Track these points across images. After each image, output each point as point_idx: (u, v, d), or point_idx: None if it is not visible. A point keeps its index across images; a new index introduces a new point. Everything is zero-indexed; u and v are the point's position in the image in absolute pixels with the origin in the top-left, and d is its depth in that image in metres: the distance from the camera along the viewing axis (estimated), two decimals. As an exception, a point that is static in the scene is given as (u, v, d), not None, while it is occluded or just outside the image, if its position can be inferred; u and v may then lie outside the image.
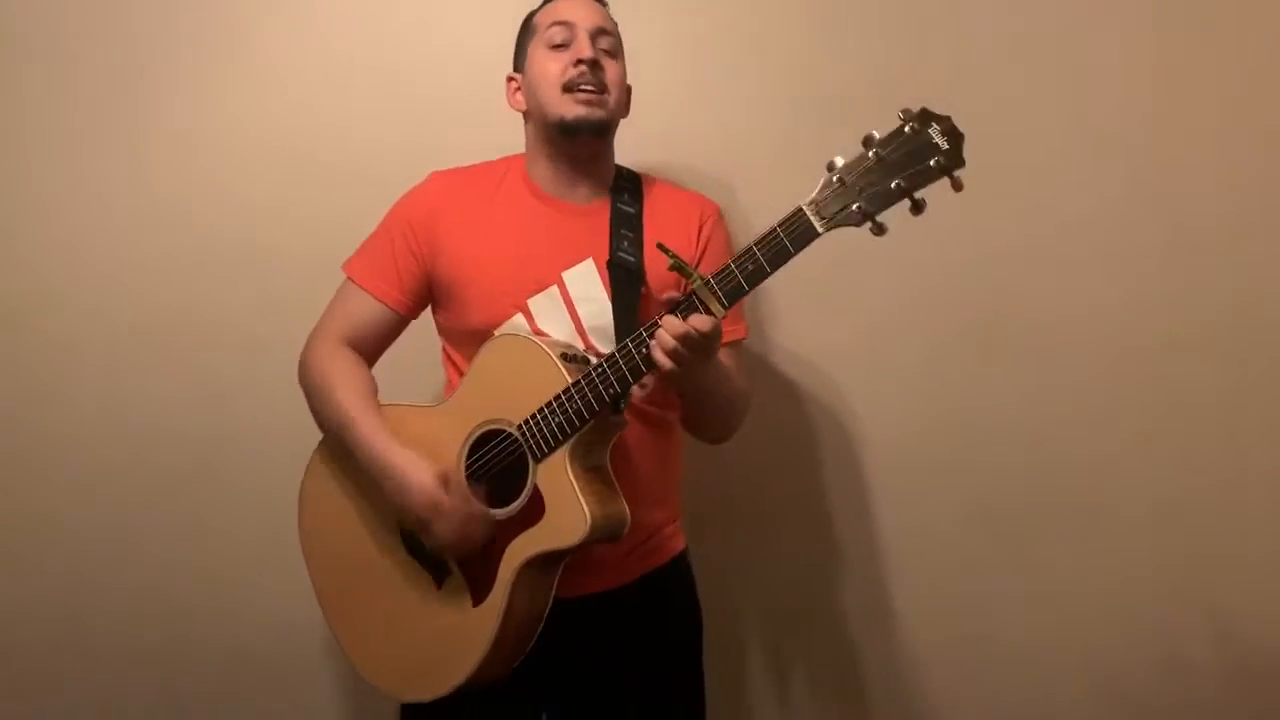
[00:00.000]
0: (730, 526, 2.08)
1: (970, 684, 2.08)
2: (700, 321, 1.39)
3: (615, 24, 1.69)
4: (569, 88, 1.61)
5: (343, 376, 1.65)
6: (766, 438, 2.04)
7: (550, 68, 1.62)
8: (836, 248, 1.96)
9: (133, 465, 2.10)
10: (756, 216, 1.92)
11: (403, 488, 1.55)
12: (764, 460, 2.08)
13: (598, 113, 1.61)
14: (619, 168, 1.72)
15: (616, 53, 1.67)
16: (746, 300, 1.73)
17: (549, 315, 1.62)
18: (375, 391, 1.67)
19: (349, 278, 1.69)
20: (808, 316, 2.07)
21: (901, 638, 2.10)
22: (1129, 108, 2.01)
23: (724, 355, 1.64)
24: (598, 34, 1.64)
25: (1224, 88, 2.00)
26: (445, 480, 1.54)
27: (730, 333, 1.67)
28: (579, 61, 1.60)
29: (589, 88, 1.60)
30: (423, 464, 1.55)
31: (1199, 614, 2.03)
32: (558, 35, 1.63)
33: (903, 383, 2.06)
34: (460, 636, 1.56)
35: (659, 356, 1.41)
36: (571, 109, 1.60)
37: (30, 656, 2.12)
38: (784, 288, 2.05)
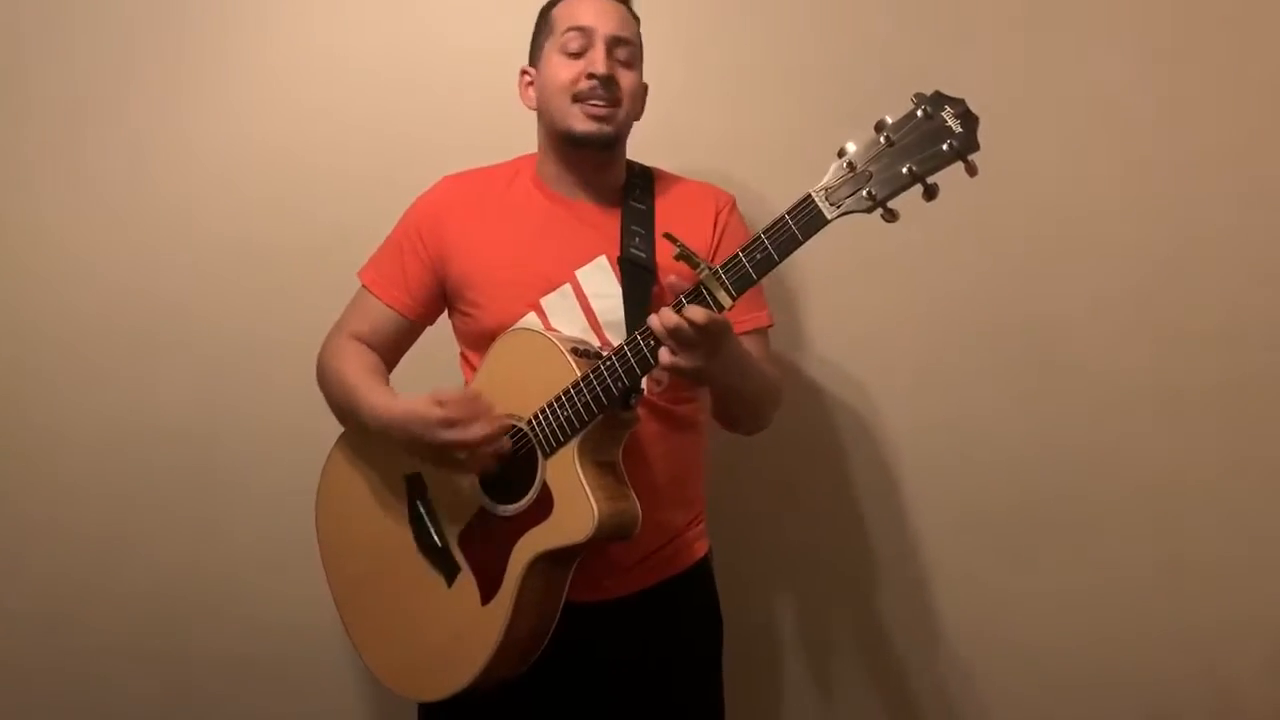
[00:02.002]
0: (752, 530, 2.06)
1: (991, 684, 2.06)
2: (694, 313, 1.34)
3: (637, 22, 1.65)
4: (579, 98, 1.58)
5: (350, 358, 1.66)
6: (790, 439, 2.01)
7: (563, 75, 1.59)
8: (858, 249, 1.97)
9: (133, 466, 2.10)
10: (765, 214, 1.90)
11: (407, 426, 1.53)
12: (785, 462, 2.06)
13: (606, 129, 1.58)
14: (630, 163, 1.70)
15: (634, 61, 1.62)
16: (769, 293, 1.71)
17: (562, 313, 1.61)
18: (383, 370, 1.67)
19: (362, 284, 1.70)
20: (828, 316, 2.06)
21: (927, 643, 2.07)
22: (1134, 110, 1.99)
23: (749, 344, 1.61)
24: (615, 44, 1.59)
25: (1228, 88, 1.97)
26: (439, 399, 1.51)
27: (751, 320, 1.64)
28: (592, 75, 1.57)
29: (600, 103, 1.57)
30: (419, 397, 1.53)
31: (1207, 613, 2.01)
32: (573, 42, 1.59)
33: (921, 384, 2.05)
34: (469, 635, 1.54)
35: (660, 352, 1.38)
36: (580, 123, 1.58)
37: (29, 660, 2.12)
38: (806, 287, 2.04)
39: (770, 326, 1.70)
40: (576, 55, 1.59)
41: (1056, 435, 2.03)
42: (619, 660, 1.64)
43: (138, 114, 2.08)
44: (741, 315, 1.62)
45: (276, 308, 2.06)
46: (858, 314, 2.05)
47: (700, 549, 1.71)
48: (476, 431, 1.49)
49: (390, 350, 1.71)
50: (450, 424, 1.49)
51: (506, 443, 1.52)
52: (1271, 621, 1.99)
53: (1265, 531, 1.99)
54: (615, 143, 1.62)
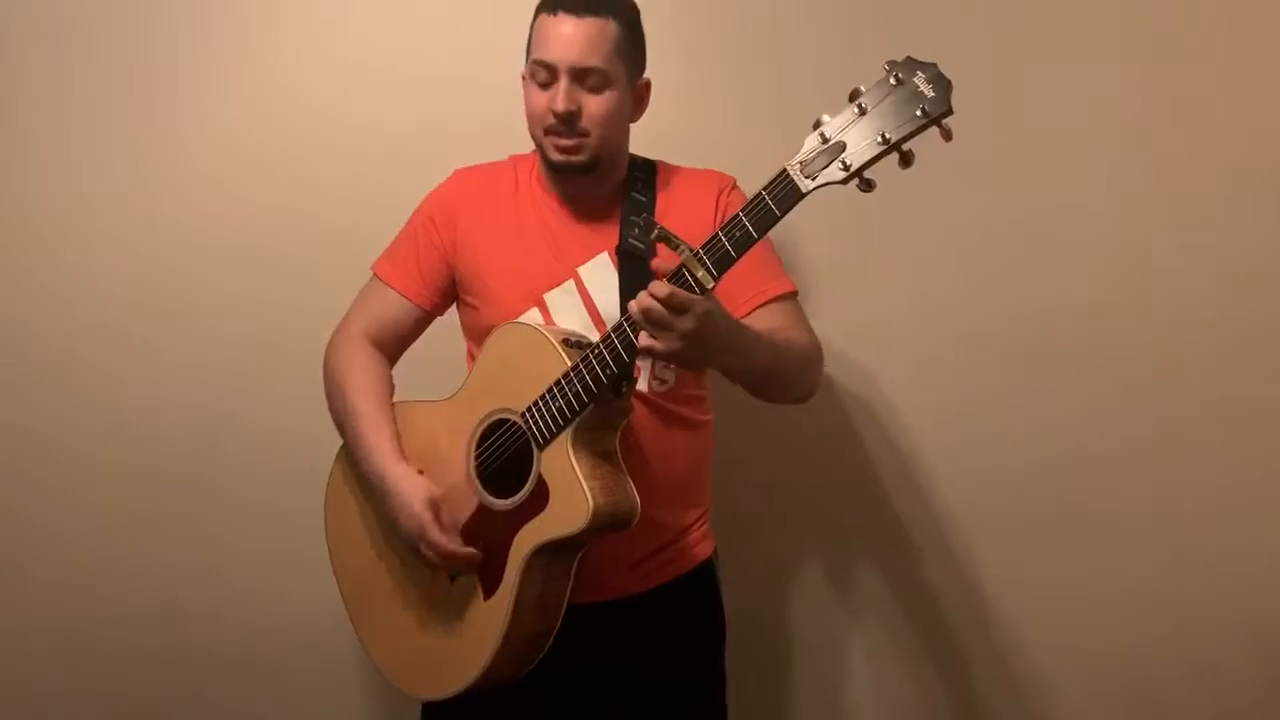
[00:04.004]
0: (758, 529, 2.04)
1: (1004, 683, 2.04)
2: (658, 288, 1.32)
3: (621, 27, 1.56)
4: (549, 132, 1.57)
5: (358, 375, 1.66)
6: (793, 439, 2.01)
7: (533, 104, 1.57)
8: (862, 244, 1.98)
9: (134, 471, 2.10)
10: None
11: (395, 508, 1.57)
12: (792, 462, 2.05)
13: (576, 159, 1.57)
14: (633, 158, 1.69)
15: (606, 84, 1.55)
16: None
17: (565, 309, 1.61)
18: (389, 390, 1.68)
19: (374, 275, 1.71)
20: (833, 313, 2.03)
21: (935, 642, 2.05)
22: (1133, 107, 1.96)
23: (773, 312, 1.59)
24: (582, 74, 1.54)
25: (1227, 87, 1.94)
26: (435, 506, 1.54)
27: (768, 290, 1.61)
28: (555, 113, 1.54)
29: (566, 141, 1.56)
30: (417, 484, 1.56)
31: (1213, 610, 1.99)
32: (539, 74, 1.56)
33: (927, 382, 2.03)
34: (472, 631, 1.54)
35: (640, 336, 1.36)
36: (553, 153, 1.58)
37: (31, 665, 2.13)
38: (809, 283, 2.01)
39: (794, 293, 1.65)
40: (545, 86, 1.56)
41: (1062, 432, 2.01)
42: (621, 661, 1.63)
43: (135, 116, 2.08)
44: (757, 288, 1.59)
45: (277, 311, 2.07)
46: (862, 311, 2.03)
47: (704, 550, 1.69)
48: (441, 563, 1.55)
49: (397, 342, 1.72)
50: (425, 543, 1.53)
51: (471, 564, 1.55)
52: (1270, 622, 1.97)
53: (1267, 532, 1.96)
54: (592, 168, 1.60)
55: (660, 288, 1.32)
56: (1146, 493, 1.99)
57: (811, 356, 1.61)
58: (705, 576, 1.70)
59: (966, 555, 2.04)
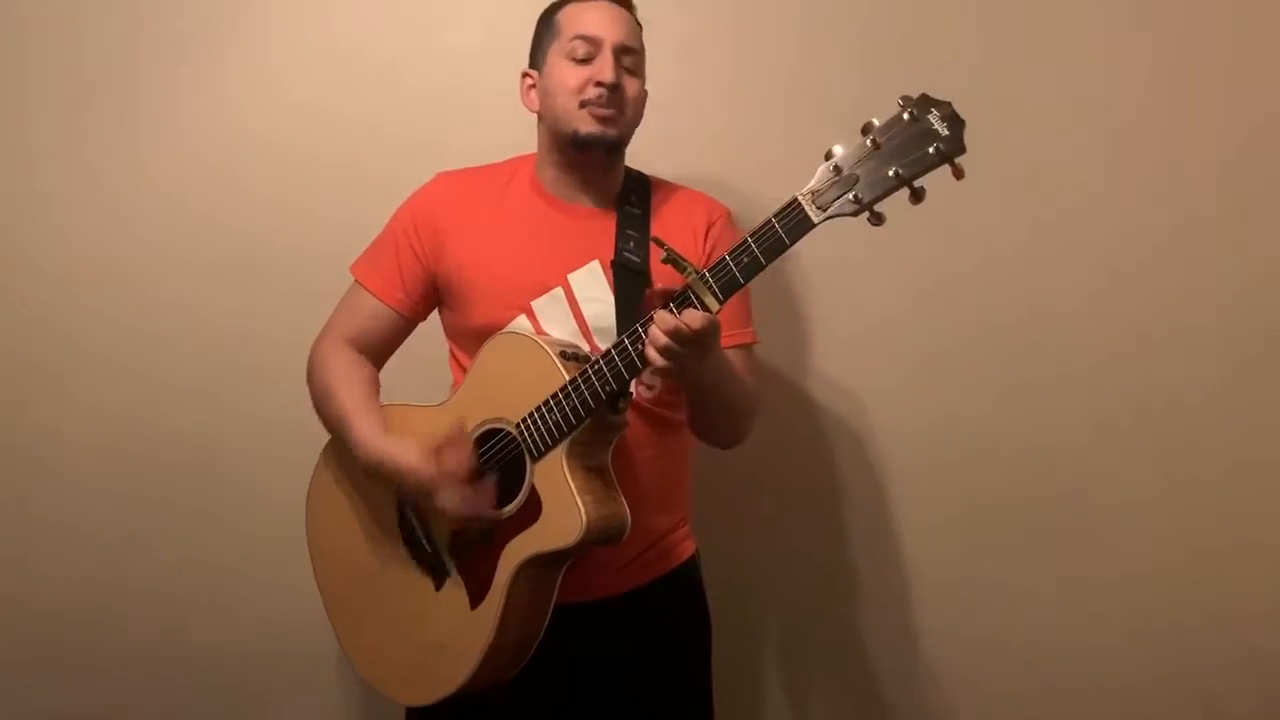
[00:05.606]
0: (741, 530, 2.06)
1: (981, 686, 2.07)
2: (692, 318, 1.35)
3: (640, 30, 1.65)
4: (585, 104, 1.58)
5: (342, 375, 1.65)
6: (778, 440, 2.02)
7: (570, 80, 1.58)
8: (845, 247, 1.94)
9: (135, 464, 2.10)
10: (756, 216, 1.91)
11: (397, 472, 1.55)
12: (774, 462, 2.06)
13: (611, 131, 1.59)
14: (628, 170, 1.70)
15: (638, 69, 1.63)
16: (754, 304, 1.72)
17: (552, 317, 1.60)
18: (375, 388, 1.67)
19: (355, 279, 1.70)
20: (816, 318, 2.06)
21: (915, 642, 2.08)
22: (1130, 106, 1.99)
23: (733, 359, 1.61)
24: (622, 52, 1.59)
25: (1224, 84, 1.97)
26: (437, 451, 1.52)
27: (737, 336, 1.65)
28: (600, 83, 1.57)
29: (607, 110, 1.58)
30: (410, 444, 1.54)
31: (1202, 614, 2.00)
32: (580, 49, 1.58)
33: (911, 384, 2.05)
34: (458, 639, 1.54)
35: (650, 353, 1.38)
36: (586, 124, 1.58)
37: (29, 659, 2.12)
38: (797, 288, 2.04)
39: (754, 344, 1.70)
40: (583, 62, 1.58)
41: (1050, 436, 2.03)
42: (607, 661, 1.64)
43: (140, 111, 2.07)
44: (727, 330, 1.61)
45: (279, 305, 2.05)
46: (849, 315, 2.05)
47: (687, 549, 1.72)
48: (469, 507, 1.51)
49: (382, 348, 1.70)
50: (436, 483, 1.51)
51: (493, 514, 1.53)
52: (1265, 622, 1.99)
53: (1261, 532, 1.99)
54: (619, 146, 1.63)
55: (694, 318, 1.35)
56: (1143, 500, 2.01)
57: (752, 407, 1.67)
58: (689, 575, 1.72)
59: (950, 558, 2.06)
